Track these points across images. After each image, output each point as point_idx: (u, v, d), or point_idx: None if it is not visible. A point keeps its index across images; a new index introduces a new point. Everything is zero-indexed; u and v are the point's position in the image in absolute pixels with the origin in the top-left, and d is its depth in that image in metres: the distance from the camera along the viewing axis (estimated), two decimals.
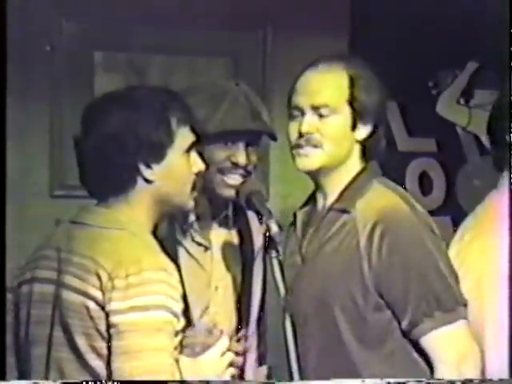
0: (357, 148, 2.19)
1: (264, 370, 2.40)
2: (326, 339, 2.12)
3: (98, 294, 1.84)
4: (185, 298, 1.93)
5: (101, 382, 1.83)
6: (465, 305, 2.09)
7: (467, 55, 3.73)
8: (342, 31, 3.55)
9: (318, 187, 2.22)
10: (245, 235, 2.35)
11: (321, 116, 2.14)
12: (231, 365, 2.02)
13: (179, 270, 2.21)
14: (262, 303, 2.37)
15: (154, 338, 1.81)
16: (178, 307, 1.87)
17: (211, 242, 2.32)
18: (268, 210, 2.16)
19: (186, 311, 1.94)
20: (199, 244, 2.30)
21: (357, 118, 2.15)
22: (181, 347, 1.95)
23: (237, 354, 2.14)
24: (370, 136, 2.18)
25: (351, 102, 2.15)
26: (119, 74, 3.43)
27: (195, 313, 2.25)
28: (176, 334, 1.88)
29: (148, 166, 1.91)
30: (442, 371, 2.06)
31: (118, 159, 1.90)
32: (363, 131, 2.17)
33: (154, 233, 1.99)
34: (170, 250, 2.14)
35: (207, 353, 1.99)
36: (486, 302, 2.12)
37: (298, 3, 3.44)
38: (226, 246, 2.34)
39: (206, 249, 2.31)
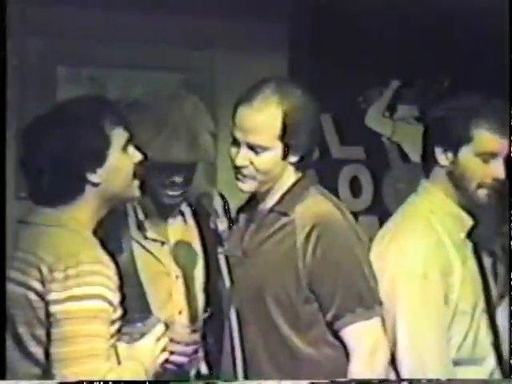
0: (290, 165, 2.19)
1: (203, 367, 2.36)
2: (261, 326, 2.17)
3: (38, 286, 1.84)
4: (121, 288, 1.93)
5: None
6: (381, 304, 2.16)
7: (391, 74, 3.80)
8: (283, 53, 3.61)
9: (258, 192, 2.25)
10: (204, 225, 2.36)
11: (255, 152, 2.14)
12: (165, 350, 2.00)
13: (134, 264, 2.25)
14: (207, 297, 2.37)
15: (89, 324, 1.81)
16: (114, 297, 1.88)
17: (168, 237, 2.33)
18: (215, 210, 2.26)
19: (123, 302, 1.93)
20: (154, 240, 2.32)
21: (288, 151, 2.15)
22: (119, 335, 1.94)
23: (180, 354, 2.14)
24: (302, 157, 2.19)
25: (283, 138, 2.13)
26: (81, 88, 3.40)
27: (158, 301, 2.26)
28: (113, 322, 1.89)
29: (93, 172, 1.92)
30: (356, 359, 2.12)
31: (64, 174, 1.90)
32: (295, 158, 2.18)
33: (105, 229, 2.01)
34: (119, 245, 2.20)
35: (143, 339, 1.97)
36: (399, 300, 2.17)
37: (243, 27, 3.49)
38: (185, 237, 2.35)
39: (163, 243, 2.33)
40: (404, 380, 2.16)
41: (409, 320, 2.17)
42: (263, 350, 2.16)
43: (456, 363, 2.22)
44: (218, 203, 2.37)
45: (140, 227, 2.31)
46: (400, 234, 2.24)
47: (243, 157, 2.15)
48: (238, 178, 2.18)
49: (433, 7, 3.56)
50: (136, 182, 2.00)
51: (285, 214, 2.17)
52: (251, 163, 2.15)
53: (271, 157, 2.14)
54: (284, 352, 2.15)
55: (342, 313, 2.11)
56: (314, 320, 2.14)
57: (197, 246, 2.37)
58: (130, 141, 1.98)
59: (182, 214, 2.38)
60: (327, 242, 2.11)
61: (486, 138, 2.21)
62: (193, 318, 2.28)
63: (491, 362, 2.28)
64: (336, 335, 2.14)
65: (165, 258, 2.32)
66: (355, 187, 3.81)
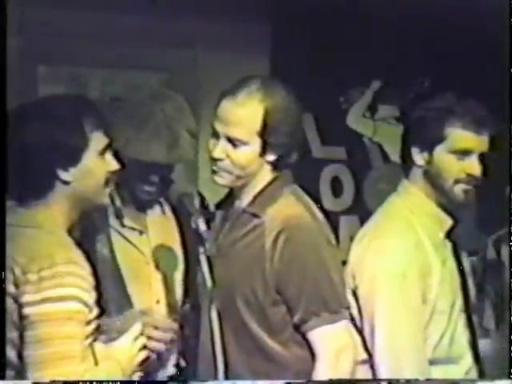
0: (267, 164, 2.20)
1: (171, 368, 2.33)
2: (233, 325, 2.17)
3: (11, 288, 1.83)
4: (98, 288, 1.92)
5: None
6: (348, 307, 2.17)
7: (372, 75, 3.80)
8: (264, 53, 3.61)
9: (234, 189, 2.26)
10: (182, 218, 2.34)
11: (233, 145, 2.15)
12: (143, 349, 2.00)
13: (113, 255, 2.23)
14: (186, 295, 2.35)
15: (64, 326, 1.80)
16: (89, 297, 1.87)
17: (146, 226, 2.33)
18: (197, 210, 2.24)
19: (99, 300, 1.92)
20: (133, 229, 2.31)
21: (266, 147, 2.16)
22: (97, 334, 1.93)
23: (158, 340, 2.12)
24: (280, 157, 2.19)
25: (262, 134, 2.14)
26: (62, 87, 3.38)
27: (136, 289, 2.25)
28: (88, 322, 1.88)
29: (65, 170, 1.91)
30: (320, 362, 2.13)
31: (36, 167, 1.89)
32: (272, 156, 2.18)
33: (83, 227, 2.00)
34: (95, 236, 2.17)
35: (120, 338, 1.97)
36: (378, 299, 2.18)
37: (225, 26, 3.48)
38: (165, 229, 2.34)
39: (141, 232, 2.32)
40: (383, 380, 2.17)
41: (387, 319, 2.18)
42: (236, 350, 2.16)
43: (433, 362, 2.22)
44: (198, 203, 2.35)
45: (118, 215, 2.30)
46: (380, 234, 2.25)
47: (221, 149, 2.16)
48: (214, 171, 2.18)
49: (413, 9, 3.57)
50: (107, 190, 1.99)
51: (256, 216, 2.17)
52: (228, 156, 2.15)
53: (249, 152, 2.15)
54: (257, 352, 2.15)
55: (308, 316, 2.12)
56: (283, 322, 2.15)
57: (176, 243, 2.35)
58: (109, 147, 1.97)
59: (161, 205, 2.36)
60: (294, 246, 2.11)
61: (460, 135, 2.24)
62: (171, 309, 2.26)
63: (468, 360, 2.29)
64: (303, 337, 2.15)
65: (144, 247, 2.31)
66: (336, 187, 3.82)
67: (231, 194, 2.28)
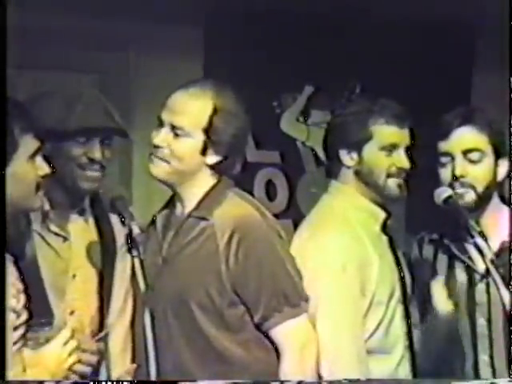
0: (207, 167, 2.18)
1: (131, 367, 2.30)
2: (185, 330, 2.15)
3: None
4: (26, 292, 1.88)
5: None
6: (307, 300, 2.17)
7: (305, 80, 3.81)
8: (198, 56, 3.58)
9: (176, 194, 2.23)
10: (106, 229, 2.30)
11: (176, 135, 2.14)
12: (72, 354, 1.96)
13: (36, 260, 2.16)
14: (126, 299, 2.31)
15: None
16: (16, 303, 1.83)
17: (69, 233, 2.26)
18: (130, 213, 2.18)
19: (28, 305, 1.89)
20: (56, 234, 2.24)
21: (208, 146, 2.14)
22: (25, 340, 1.89)
23: (85, 363, 2.07)
24: (221, 162, 2.17)
25: (207, 130, 2.13)
26: None
27: (53, 299, 2.19)
28: (16, 328, 1.83)
29: None
30: (287, 358, 2.13)
31: None
32: (213, 158, 2.17)
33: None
34: (23, 240, 2.11)
35: (49, 344, 1.93)
36: (319, 296, 2.19)
37: (158, 30, 3.45)
38: (86, 238, 2.28)
39: (65, 239, 2.25)
40: (324, 380, 2.16)
41: (328, 315, 2.19)
42: (190, 354, 2.13)
43: (367, 352, 2.24)
44: (132, 206, 2.28)
45: (44, 219, 2.23)
46: (318, 231, 2.28)
47: (163, 137, 2.14)
48: (151, 160, 2.16)
49: (347, 13, 3.60)
50: (38, 194, 1.94)
51: (203, 219, 2.15)
52: (168, 145, 2.14)
53: (190, 144, 2.14)
54: (214, 354, 2.12)
55: (270, 313, 2.11)
56: (241, 322, 2.14)
57: (106, 244, 2.30)
58: (39, 150, 1.91)
59: (84, 213, 2.30)
60: (248, 244, 2.10)
61: (385, 131, 2.30)
62: (87, 322, 2.21)
63: (400, 350, 2.31)
64: (266, 336, 2.14)
65: (65, 253, 2.24)
66: (270, 191, 3.82)
67: (170, 203, 2.25)
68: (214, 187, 2.19)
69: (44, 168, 1.93)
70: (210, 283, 2.11)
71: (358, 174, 2.31)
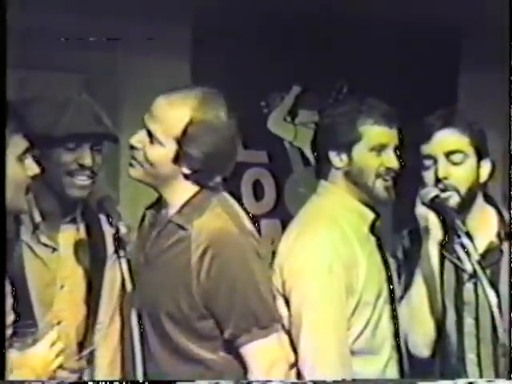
0: (182, 175, 2.14)
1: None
2: (157, 333, 2.14)
3: None
4: (13, 293, 1.87)
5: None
6: (278, 320, 2.15)
7: (292, 80, 3.80)
8: (185, 55, 3.56)
9: (161, 195, 2.21)
10: (96, 236, 2.29)
11: (151, 140, 2.12)
12: (59, 355, 1.96)
13: (23, 270, 2.14)
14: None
15: None
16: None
17: (59, 243, 2.24)
18: (118, 213, 2.17)
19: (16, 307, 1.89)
20: (46, 245, 2.21)
21: (180, 156, 2.10)
22: (11, 341, 1.89)
23: (72, 371, 2.08)
24: (196, 172, 2.13)
25: (179, 141, 2.09)
26: None
27: (38, 310, 2.16)
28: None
29: None
30: (255, 375, 2.11)
31: None
32: (186, 170, 2.12)
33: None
34: (12, 250, 2.08)
35: (36, 345, 1.92)
36: (306, 295, 2.19)
37: (145, 30, 3.43)
38: (76, 247, 2.26)
39: (54, 250, 2.23)
40: (308, 381, 2.16)
41: (313, 315, 2.19)
42: (162, 353, 2.12)
43: (355, 352, 2.24)
44: (120, 206, 2.28)
45: (35, 230, 2.20)
46: (306, 231, 2.27)
47: (139, 139, 2.14)
48: (130, 164, 2.16)
49: (333, 13, 3.60)
50: (27, 197, 1.93)
51: (182, 228, 2.12)
52: (143, 148, 2.13)
53: (161, 152, 2.11)
54: (183, 356, 2.11)
55: (239, 332, 2.09)
56: (212, 333, 2.12)
57: (96, 250, 2.28)
58: (28, 151, 1.89)
59: (76, 222, 2.28)
60: (222, 262, 2.07)
61: (375, 131, 2.29)
62: (73, 333, 2.20)
63: (388, 350, 2.32)
64: (236, 350, 2.12)
65: (53, 264, 2.22)
66: (258, 190, 3.81)
67: (160, 200, 2.22)
68: (197, 193, 2.15)
69: (33, 168, 1.91)
70: (180, 295, 2.09)
71: (347, 174, 2.31)
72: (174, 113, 2.10)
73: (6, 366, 1.83)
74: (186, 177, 2.14)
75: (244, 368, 2.12)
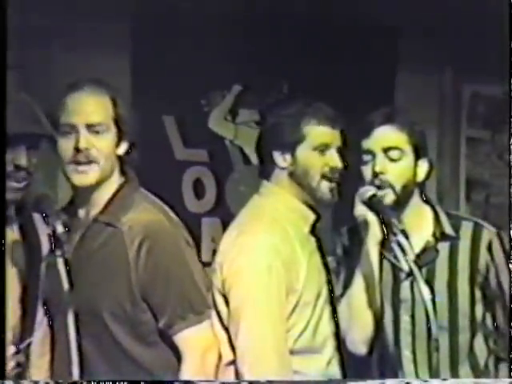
0: (117, 163, 2.20)
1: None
2: (97, 332, 2.13)
3: None
4: None
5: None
6: (210, 307, 2.20)
7: (233, 79, 3.78)
8: (125, 53, 3.52)
9: (78, 195, 2.20)
10: (31, 236, 2.25)
11: (97, 133, 2.13)
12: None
13: None
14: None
15: None
16: None
17: None
18: (55, 212, 2.11)
19: None
20: None
21: (121, 136, 2.16)
22: None
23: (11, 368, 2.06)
24: (128, 153, 2.19)
25: (116, 120, 2.16)
26: None
27: None
28: None
29: None
30: (187, 363, 2.13)
31: None
32: (123, 147, 2.19)
33: None
34: None
35: None
36: (244, 294, 2.19)
37: (82, 25, 3.38)
38: (12, 245, 2.22)
39: None
40: (244, 381, 2.16)
41: (251, 314, 2.19)
42: (98, 352, 2.11)
43: (296, 352, 2.24)
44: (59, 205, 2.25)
45: None
46: (246, 231, 2.27)
47: (85, 140, 2.12)
48: (77, 170, 2.13)
49: (274, 13, 3.59)
50: None
51: (110, 225, 2.13)
52: (93, 146, 2.12)
53: (109, 138, 2.15)
54: (120, 354, 2.12)
55: (174, 321, 2.12)
56: (150, 327, 2.14)
57: (30, 249, 2.23)
58: None
59: (9, 220, 2.22)
60: (158, 253, 2.10)
61: (318, 131, 2.30)
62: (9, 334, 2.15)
63: (329, 350, 2.32)
64: (170, 340, 2.14)
65: None
66: (199, 189, 3.78)
67: (73, 201, 2.22)
68: (120, 189, 2.18)
69: None
70: (120, 292, 2.10)
71: (291, 175, 2.31)
72: (99, 99, 2.15)
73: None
74: (121, 161, 2.18)
75: (178, 359, 2.13)
